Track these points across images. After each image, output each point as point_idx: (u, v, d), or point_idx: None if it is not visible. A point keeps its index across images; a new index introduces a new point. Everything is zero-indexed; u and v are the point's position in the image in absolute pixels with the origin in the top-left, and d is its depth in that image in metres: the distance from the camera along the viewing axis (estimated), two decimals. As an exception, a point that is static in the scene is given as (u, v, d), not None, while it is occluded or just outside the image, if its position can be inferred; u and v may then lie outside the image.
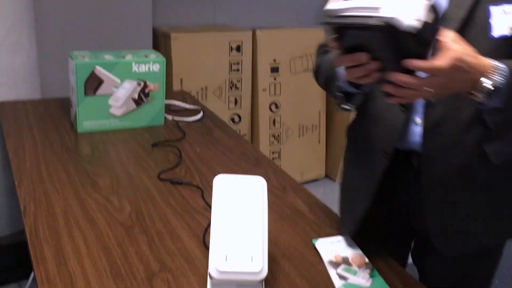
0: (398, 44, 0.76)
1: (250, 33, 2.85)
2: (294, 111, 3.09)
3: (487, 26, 0.91)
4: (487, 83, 0.82)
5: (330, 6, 0.78)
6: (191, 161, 1.49)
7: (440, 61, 0.77)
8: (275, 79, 2.97)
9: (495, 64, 0.83)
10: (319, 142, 3.23)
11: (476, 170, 1.04)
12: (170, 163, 1.45)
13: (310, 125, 3.17)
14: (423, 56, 0.77)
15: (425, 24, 0.73)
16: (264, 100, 2.97)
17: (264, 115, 2.99)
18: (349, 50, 0.83)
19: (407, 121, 1.05)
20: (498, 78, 0.83)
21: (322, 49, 1.20)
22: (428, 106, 1.01)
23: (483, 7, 0.91)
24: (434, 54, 0.78)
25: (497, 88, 0.83)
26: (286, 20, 3.16)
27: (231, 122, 2.91)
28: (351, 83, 1.00)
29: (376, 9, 0.73)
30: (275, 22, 3.12)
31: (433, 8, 0.76)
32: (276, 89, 2.99)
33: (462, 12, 0.92)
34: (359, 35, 0.78)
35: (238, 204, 0.93)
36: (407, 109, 1.03)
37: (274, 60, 2.95)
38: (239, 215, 0.92)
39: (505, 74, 0.83)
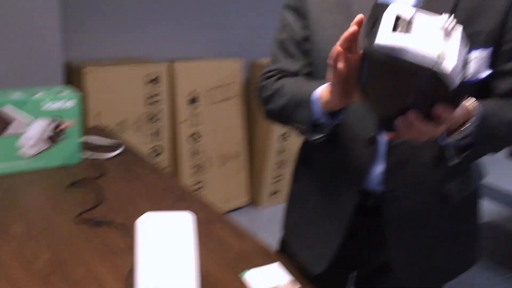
0: (435, 94, 0.76)
1: (167, 65, 2.84)
2: (215, 141, 3.09)
3: None
4: (466, 128, 0.90)
5: (385, 39, 0.73)
6: (112, 199, 1.43)
7: (457, 111, 0.81)
8: (194, 109, 2.97)
9: (474, 107, 0.91)
10: (241, 170, 3.25)
11: (436, 207, 1.08)
12: (90, 203, 1.39)
13: (231, 153, 3.19)
14: (452, 105, 0.78)
15: (463, 79, 0.75)
16: (184, 131, 2.95)
17: (185, 146, 2.97)
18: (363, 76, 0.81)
19: (373, 158, 1.05)
20: (474, 122, 0.90)
21: (277, 75, 1.15)
22: (391, 145, 1.03)
23: None
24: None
25: (471, 131, 0.90)
26: (204, 51, 3.19)
27: (152, 155, 2.86)
28: (329, 113, 0.99)
29: (437, 61, 0.72)
30: (193, 53, 3.14)
31: (469, 62, 0.79)
32: (195, 119, 2.98)
33: None
34: (402, 77, 0.76)
35: (165, 242, 0.91)
36: (375, 143, 1.03)
37: (193, 91, 2.95)
38: (166, 253, 0.89)
39: (479, 117, 0.91)
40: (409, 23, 0.75)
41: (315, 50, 1.09)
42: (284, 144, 3.23)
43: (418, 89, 0.76)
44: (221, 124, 3.10)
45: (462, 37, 0.76)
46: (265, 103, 1.15)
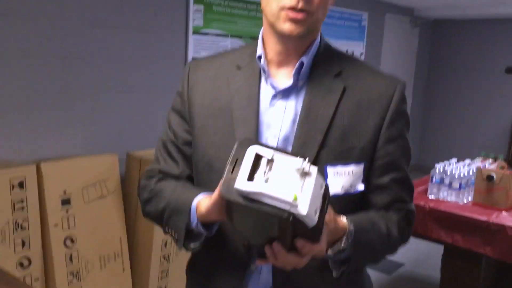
0: (296, 231, 0.82)
1: (34, 167, 2.65)
2: (93, 242, 2.89)
3: None
4: (340, 245, 0.95)
5: (242, 185, 0.79)
6: None
7: (321, 244, 0.86)
8: (67, 211, 2.77)
9: (347, 225, 0.96)
10: (123, 270, 3.05)
11: None
12: None
13: (112, 253, 2.99)
14: (312, 237, 0.84)
15: (321, 215, 0.81)
16: (56, 236, 2.72)
17: (58, 252, 2.72)
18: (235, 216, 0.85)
19: (250, 266, 1.05)
20: (348, 237, 0.95)
21: (158, 176, 1.14)
22: None
23: (320, 167, 0.97)
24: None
25: (346, 246, 0.96)
26: (75, 148, 3.05)
27: (19, 268, 2.57)
28: (204, 224, 0.99)
29: (292, 204, 0.77)
30: (63, 150, 2.98)
31: (328, 197, 0.85)
32: (69, 222, 2.78)
33: None
34: (262, 218, 0.81)
35: None
36: (251, 252, 1.03)
37: (64, 192, 2.76)
38: None
39: (352, 232, 0.95)
40: (269, 164, 0.81)
41: (199, 154, 1.10)
42: (168, 237, 3.11)
43: (278, 228, 0.82)
44: (98, 224, 2.91)
45: (317, 177, 0.82)
46: (144, 204, 1.15)
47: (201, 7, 3.73)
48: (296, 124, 1.02)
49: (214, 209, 0.93)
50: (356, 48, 5.46)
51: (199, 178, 1.11)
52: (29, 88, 2.82)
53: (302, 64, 1.04)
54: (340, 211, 0.98)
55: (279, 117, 1.04)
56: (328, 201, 0.85)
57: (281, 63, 1.06)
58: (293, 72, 1.04)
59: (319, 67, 1.05)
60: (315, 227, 0.80)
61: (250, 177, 0.79)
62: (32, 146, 2.86)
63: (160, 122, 3.51)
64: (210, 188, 0.99)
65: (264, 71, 1.06)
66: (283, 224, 0.79)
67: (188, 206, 1.01)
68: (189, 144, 1.13)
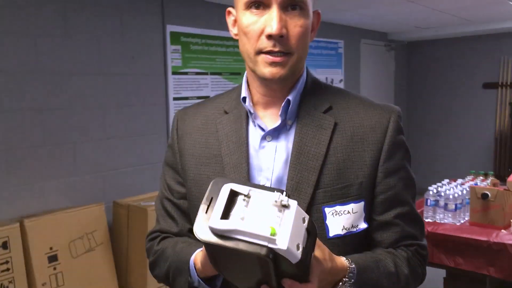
0: (280, 270, 0.76)
1: (17, 225, 2.54)
2: (84, 298, 2.76)
3: (324, 227, 0.95)
4: (343, 284, 0.89)
5: (215, 223, 0.74)
6: None
7: (312, 283, 0.81)
8: (55, 268, 2.65)
9: (347, 265, 0.90)
10: (118, 325, 2.92)
11: None
12: None
13: (105, 308, 2.86)
14: (300, 275, 0.78)
15: (306, 250, 0.76)
16: (45, 296, 2.59)
17: (48, 313, 2.59)
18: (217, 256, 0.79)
19: None
20: (350, 277, 0.90)
21: (160, 236, 1.11)
22: None
23: (317, 207, 0.94)
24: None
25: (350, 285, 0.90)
26: (58, 201, 2.94)
27: (7, 334, 2.43)
28: (206, 280, 0.95)
29: (270, 239, 0.72)
30: (46, 205, 2.87)
31: (315, 231, 0.80)
32: (58, 279, 2.65)
33: None
34: (242, 258, 0.76)
35: None
36: None
37: (51, 248, 2.65)
38: None
39: (354, 272, 0.90)
40: (245, 201, 0.76)
41: (194, 206, 1.06)
42: (163, 286, 3.00)
43: (260, 268, 0.76)
44: (88, 279, 2.79)
45: (298, 210, 0.78)
46: (151, 267, 1.12)
47: (179, 47, 3.71)
48: (288, 164, 0.98)
49: (206, 261, 0.89)
50: (335, 76, 5.49)
51: None
52: (7, 144, 2.73)
53: (289, 102, 1.00)
54: (343, 252, 0.93)
55: (270, 159, 1.00)
56: (314, 235, 0.80)
57: (267, 104, 1.03)
58: (280, 112, 1.00)
59: (308, 103, 1.02)
60: (300, 263, 0.75)
61: (225, 215, 0.75)
62: (14, 203, 2.75)
63: (145, 166, 3.46)
64: None
65: (250, 113, 1.03)
66: (263, 262, 0.74)
67: (187, 265, 0.97)
68: (185, 197, 1.10)
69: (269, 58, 0.94)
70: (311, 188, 0.95)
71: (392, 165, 1.00)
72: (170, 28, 3.63)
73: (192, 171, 1.06)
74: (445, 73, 6.59)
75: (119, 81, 3.29)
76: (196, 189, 1.05)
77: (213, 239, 0.74)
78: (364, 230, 0.99)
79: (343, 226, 0.96)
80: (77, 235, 2.79)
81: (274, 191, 0.77)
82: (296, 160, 0.97)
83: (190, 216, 1.09)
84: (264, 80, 0.99)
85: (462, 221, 2.83)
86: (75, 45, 3.02)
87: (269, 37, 0.92)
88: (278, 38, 0.92)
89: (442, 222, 2.82)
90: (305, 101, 1.02)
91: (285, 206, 0.76)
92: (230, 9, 1.04)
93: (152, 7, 3.49)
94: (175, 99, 3.68)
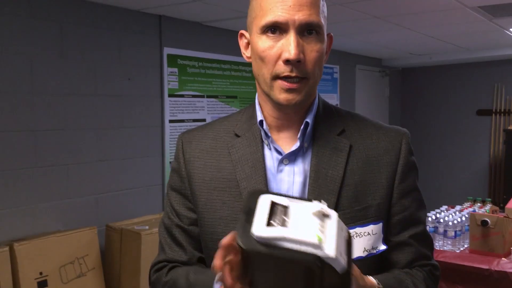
0: (324, 280, 0.71)
1: (6, 249, 2.47)
2: (74, 326, 2.67)
3: None
4: None
5: (261, 231, 0.69)
6: None
7: None
8: (44, 294, 2.57)
9: (376, 285, 0.89)
10: None
11: None
12: None
13: (95, 336, 2.77)
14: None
15: (349, 260, 0.72)
16: (33, 323, 2.50)
17: None
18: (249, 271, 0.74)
19: None
20: None
21: (167, 266, 1.05)
22: None
23: None
24: None
25: None
26: (50, 224, 2.87)
27: None
28: None
29: (318, 246, 0.68)
30: (37, 229, 2.80)
31: (352, 243, 0.76)
32: (47, 306, 2.57)
33: None
34: (286, 268, 0.71)
35: None
36: None
37: (41, 273, 2.57)
38: None
39: None
40: (285, 211, 0.73)
41: (207, 232, 1.03)
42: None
43: (305, 277, 0.72)
44: (78, 305, 2.71)
45: (338, 220, 0.75)
46: None
47: (175, 69, 3.70)
48: (307, 187, 0.98)
49: None
50: (330, 100, 5.49)
51: (210, 258, 1.02)
52: (0, 165, 2.67)
53: (307, 124, 1.00)
54: (364, 274, 0.92)
55: (288, 182, 0.99)
56: (352, 247, 0.77)
57: (280, 127, 1.03)
58: (298, 135, 1.00)
59: (322, 126, 1.02)
60: (345, 273, 0.71)
61: (268, 224, 0.71)
62: (4, 226, 2.68)
63: (139, 189, 3.40)
64: None
65: (267, 136, 1.01)
66: (310, 271, 0.70)
67: None
68: (195, 223, 1.06)
69: (286, 84, 0.93)
70: None
71: (406, 186, 1.02)
72: (167, 50, 3.62)
73: (203, 196, 1.03)
74: (439, 99, 6.63)
75: (115, 103, 3.26)
76: (208, 215, 1.02)
77: (260, 248, 0.69)
78: (383, 251, 0.99)
79: (364, 248, 0.96)
80: (68, 260, 2.71)
81: (312, 201, 0.75)
82: (315, 182, 0.97)
83: (200, 244, 1.06)
84: (278, 106, 0.98)
85: (461, 248, 2.79)
86: (71, 66, 2.99)
87: (287, 62, 0.92)
88: (295, 63, 0.92)
89: (441, 249, 2.78)
90: (319, 124, 1.02)
91: (326, 216, 0.74)
92: (243, 31, 1.04)
93: (149, 30, 3.49)
94: (171, 121, 3.65)
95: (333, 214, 0.75)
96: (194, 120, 3.85)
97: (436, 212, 2.95)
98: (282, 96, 0.94)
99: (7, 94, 2.70)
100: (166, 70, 3.61)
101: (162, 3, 3.18)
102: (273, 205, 0.74)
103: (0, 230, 2.66)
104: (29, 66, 2.79)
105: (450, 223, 2.77)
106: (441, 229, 2.80)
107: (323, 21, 0.96)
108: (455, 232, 2.76)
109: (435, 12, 3.55)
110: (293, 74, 0.92)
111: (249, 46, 1.01)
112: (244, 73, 4.30)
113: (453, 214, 2.91)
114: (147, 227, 2.96)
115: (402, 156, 1.02)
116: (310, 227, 0.71)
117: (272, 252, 0.69)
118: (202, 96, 3.93)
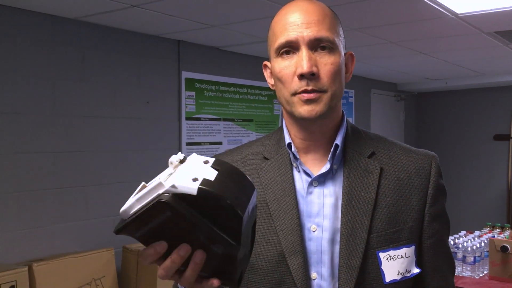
0: (201, 213, 0.68)
1: (25, 269, 2.48)
2: None
3: (380, 273, 0.95)
4: None
5: (121, 209, 0.71)
6: None
7: None
8: (61, 315, 2.57)
9: None
10: None
11: None
12: None
13: None
14: (235, 228, 0.69)
15: (206, 182, 0.67)
16: None
17: None
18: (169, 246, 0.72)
19: None
20: None
21: None
22: None
23: (371, 252, 0.95)
24: None
25: None
26: (68, 245, 2.89)
27: None
28: None
29: (159, 185, 0.68)
30: (55, 249, 2.82)
31: (225, 166, 0.72)
32: (63, 327, 2.57)
33: (356, 260, 0.93)
34: (162, 222, 0.70)
35: None
36: None
37: (58, 294, 2.58)
38: None
39: None
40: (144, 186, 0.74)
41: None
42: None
43: (176, 217, 0.70)
44: (94, 326, 2.70)
45: (194, 159, 0.74)
46: None
47: (193, 93, 3.75)
48: (340, 209, 0.98)
49: None
50: (345, 124, 5.51)
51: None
52: (20, 186, 2.71)
53: (337, 147, 1.01)
54: None
55: (319, 204, 1.00)
56: (226, 170, 0.72)
57: (307, 149, 1.04)
58: (328, 157, 1.01)
59: (351, 148, 1.03)
60: (207, 194, 0.67)
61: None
62: (23, 246, 2.71)
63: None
64: None
65: (296, 158, 1.03)
66: (167, 211, 0.68)
67: None
68: None
69: (304, 96, 0.95)
70: (365, 233, 0.96)
71: (436, 209, 1.03)
72: (185, 74, 3.68)
73: None
74: (455, 124, 6.60)
75: (133, 125, 3.30)
76: None
77: (123, 224, 0.71)
78: (416, 275, 0.99)
79: (398, 271, 0.97)
80: (85, 281, 2.72)
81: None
82: (348, 204, 0.97)
83: None
84: (303, 123, 1.00)
85: (481, 275, 2.74)
86: (91, 89, 3.06)
87: (301, 76, 0.95)
88: (310, 77, 0.94)
89: (460, 275, 2.74)
90: (348, 146, 1.03)
91: (182, 161, 0.74)
92: (266, 62, 1.07)
93: (168, 54, 3.55)
94: (188, 144, 3.68)
95: (191, 156, 0.74)
96: (211, 143, 3.88)
97: (455, 238, 2.92)
98: (302, 109, 0.96)
99: (29, 116, 2.76)
100: (184, 93, 3.67)
101: (180, 29, 3.25)
102: (143, 187, 0.74)
103: (19, 250, 2.69)
104: (51, 89, 2.85)
105: (469, 249, 2.74)
106: (460, 255, 2.76)
107: (335, 37, 0.98)
108: (474, 258, 2.72)
109: (451, 37, 3.57)
110: (309, 88, 0.95)
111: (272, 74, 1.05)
112: (260, 96, 4.34)
113: (472, 240, 2.88)
114: (163, 249, 2.96)
115: (433, 179, 1.03)
116: (156, 181, 0.71)
117: (132, 219, 0.70)
118: (219, 119, 3.97)
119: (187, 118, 3.68)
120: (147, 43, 3.39)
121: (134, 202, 0.70)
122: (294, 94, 0.96)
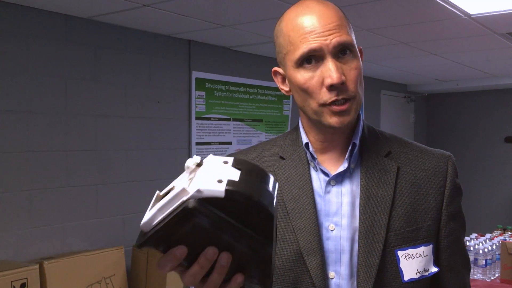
0: (228, 214, 0.65)
1: (36, 267, 2.50)
2: None
3: (398, 271, 0.95)
4: None
5: (142, 221, 0.66)
6: None
7: None
8: (71, 313, 2.58)
9: None
10: None
11: None
12: None
13: None
14: (266, 226, 0.67)
15: (232, 183, 0.65)
16: None
17: None
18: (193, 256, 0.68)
19: None
20: None
21: None
22: None
23: (390, 251, 0.95)
24: None
25: None
26: (78, 244, 2.91)
27: None
28: None
29: (182, 191, 0.65)
30: (66, 247, 2.84)
31: (246, 164, 0.69)
32: (73, 325, 2.58)
33: (375, 258, 0.94)
34: (188, 229, 0.66)
35: None
36: None
37: (68, 292, 2.59)
38: None
39: None
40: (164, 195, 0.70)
41: None
42: (178, 335, 2.90)
43: (198, 222, 0.66)
44: (104, 325, 2.71)
45: (211, 160, 0.71)
46: None
47: (203, 93, 3.75)
48: (357, 208, 0.98)
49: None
50: (355, 125, 5.50)
51: None
52: (32, 184, 2.73)
53: (354, 145, 1.01)
54: None
55: (337, 203, 1.00)
56: (249, 169, 0.69)
57: (324, 149, 1.04)
58: (346, 156, 1.01)
59: (368, 147, 1.03)
60: (236, 194, 0.64)
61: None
62: (34, 245, 2.72)
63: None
64: None
65: (314, 158, 1.03)
66: (193, 219, 0.65)
67: None
68: None
69: (336, 108, 0.94)
70: (384, 231, 0.96)
71: (453, 208, 1.03)
72: (196, 74, 3.68)
73: None
74: (466, 126, 6.56)
75: (144, 125, 3.32)
76: None
77: (146, 236, 0.66)
78: (434, 274, 0.99)
79: (417, 270, 0.96)
80: (96, 279, 2.73)
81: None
82: (366, 203, 0.97)
83: None
84: (329, 128, 0.99)
85: (492, 278, 2.72)
86: (103, 88, 3.07)
87: (331, 87, 0.93)
88: (340, 86, 0.93)
89: (472, 278, 2.72)
90: (365, 145, 1.03)
91: (199, 165, 0.70)
92: (276, 69, 1.05)
93: (179, 54, 3.56)
94: (197, 143, 3.69)
95: (208, 157, 0.71)
96: (220, 143, 3.89)
97: (466, 240, 2.90)
98: (333, 120, 0.95)
99: (41, 115, 2.77)
100: (194, 93, 3.67)
101: (191, 29, 3.26)
102: (158, 196, 0.70)
103: (30, 248, 2.70)
104: (63, 88, 2.87)
105: (481, 251, 2.72)
106: (471, 257, 2.74)
107: (353, 36, 0.97)
108: (486, 260, 2.70)
109: (462, 39, 3.55)
110: (340, 98, 0.94)
111: (285, 80, 1.03)
112: (269, 97, 4.34)
113: (484, 242, 2.86)
114: (173, 249, 2.97)
115: (449, 178, 1.03)
116: (178, 187, 0.67)
117: (155, 230, 0.66)
118: (228, 119, 3.98)
119: (197, 118, 3.69)
120: (158, 43, 3.40)
121: (156, 212, 0.67)
122: (324, 105, 0.95)
